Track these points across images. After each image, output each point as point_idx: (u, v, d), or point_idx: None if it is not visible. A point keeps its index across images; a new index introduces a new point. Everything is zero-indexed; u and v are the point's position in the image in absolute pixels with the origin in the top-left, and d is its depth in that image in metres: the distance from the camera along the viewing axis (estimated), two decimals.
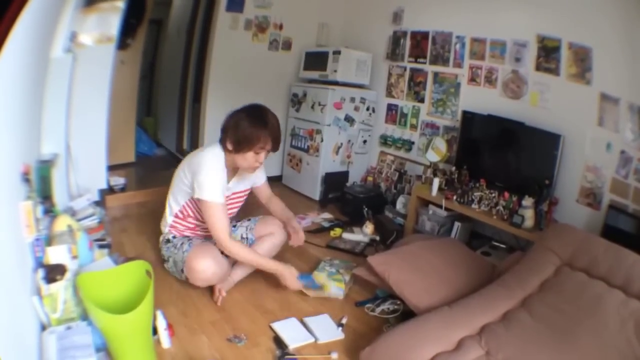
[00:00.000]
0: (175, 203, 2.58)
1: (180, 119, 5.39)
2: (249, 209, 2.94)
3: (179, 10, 5.79)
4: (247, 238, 2.73)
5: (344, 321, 2.34)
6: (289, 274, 2.47)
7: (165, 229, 2.66)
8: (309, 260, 3.10)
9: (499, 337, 1.83)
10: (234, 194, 2.64)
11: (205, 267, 2.33)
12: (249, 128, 2.30)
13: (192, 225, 2.63)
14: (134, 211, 3.72)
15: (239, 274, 2.60)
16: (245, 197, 2.77)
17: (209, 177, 2.32)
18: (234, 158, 2.40)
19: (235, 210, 2.75)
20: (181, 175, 2.49)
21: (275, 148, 2.42)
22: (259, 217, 2.81)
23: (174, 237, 2.63)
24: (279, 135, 2.39)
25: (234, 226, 2.77)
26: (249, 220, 2.79)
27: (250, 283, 2.67)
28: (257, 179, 2.78)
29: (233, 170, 2.55)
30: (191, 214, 2.58)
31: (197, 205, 2.49)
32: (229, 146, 2.35)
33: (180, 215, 2.59)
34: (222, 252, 2.45)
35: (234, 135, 2.32)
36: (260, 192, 2.85)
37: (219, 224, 2.33)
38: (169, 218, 2.62)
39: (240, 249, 2.40)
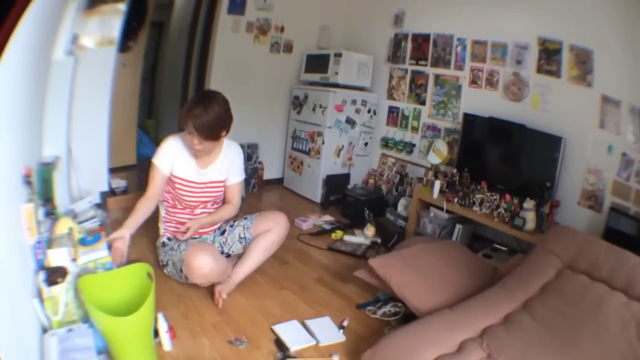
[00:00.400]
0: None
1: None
2: (248, 209, 2.94)
3: (180, 12, 5.80)
4: (244, 237, 2.71)
5: (345, 324, 2.34)
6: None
7: (161, 229, 2.73)
8: (310, 263, 3.10)
9: (501, 340, 1.83)
10: (212, 182, 2.63)
11: (202, 263, 2.33)
12: (183, 109, 2.41)
13: (183, 219, 2.64)
14: None
15: (239, 275, 2.59)
16: (221, 190, 2.71)
17: (161, 145, 2.56)
18: None
19: (213, 205, 2.72)
20: None
21: (201, 135, 2.37)
22: (255, 214, 2.79)
23: (169, 239, 2.66)
24: (202, 123, 2.34)
25: (232, 226, 2.77)
26: (246, 219, 2.77)
27: (252, 285, 2.67)
28: (230, 176, 2.70)
29: (209, 157, 2.61)
30: (169, 196, 2.67)
31: (172, 184, 2.60)
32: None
33: (168, 198, 2.68)
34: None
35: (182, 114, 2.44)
36: (227, 190, 2.73)
37: (150, 184, 2.55)
38: (162, 211, 2.72)
39: (139, 205, 2.48)
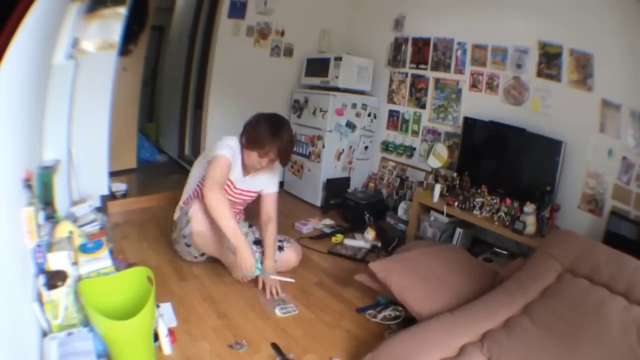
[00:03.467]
0: (190, 187, 2.91)
1: (182, 125, 5.40)
2: (249, 213, 2.94)
3: (180, 16, 5.82)
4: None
5: None
6: (244, 261, 2.43)
7: (177, 212, 2.88)
8: (311, 267, 3.10)
9: (501, 344, 1.82)
10: (245, 190, 2.77)
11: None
12: (262, 131, 2.51)
13: None
14: (135, 217, 3.72)
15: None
16: (252, 199, 2.87)
17: (222, 143, 2.58)
18: (243, 152, 2.60)
19: (240, 207, 2.84)
20: (201, 161, 2.78)
21: (281, 160, 2.62)
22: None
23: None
24: (287, 149, 2.59)
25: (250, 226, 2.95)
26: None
27: (252, 289, 2.66)
28: (268, 187, 2.86)
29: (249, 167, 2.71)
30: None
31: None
32: (243, 140, 2.59)
33: (193, 196, 2.81)
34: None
35: (249, 132, 2.56)
36: (264, 201, 2.88)
37: (217, 174, 2.43)
38: (184, 195, 2.89)
39: (219, 204, 2.37)
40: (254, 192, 2.85)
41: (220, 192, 2.40)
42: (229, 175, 2.59)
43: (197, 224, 2.57)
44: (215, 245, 2.64)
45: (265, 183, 2.84)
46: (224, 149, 2.53)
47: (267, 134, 2.50)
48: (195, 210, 2.57)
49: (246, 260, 2.43)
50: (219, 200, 2.37)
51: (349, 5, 5.16)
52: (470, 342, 1.86)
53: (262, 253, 2.74)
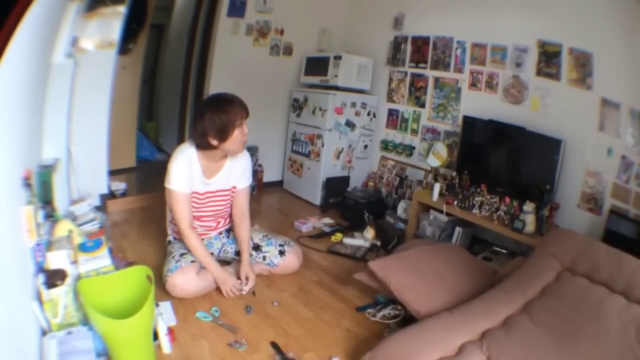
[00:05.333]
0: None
1: (181, 124, 5.39)
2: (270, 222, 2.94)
3: (180, 15, 5.81)
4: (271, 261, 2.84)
5: None
6: (227, 284, 2.55)
7: (168, 229, 2.80)
8: (310, 266, 3.10)
9: (500, 343, 1.82)
10: (219, 191, 2.67)
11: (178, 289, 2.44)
12: (222, 115, 2.36)
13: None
14: (135, 216, 3.72)
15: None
16: (230, 197, 2.75)
17: (172, 168, 2.45)
18: (222, 149, 2.47)
19: (222, 208, 2.75)
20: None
21: (247, 114, 2.49)
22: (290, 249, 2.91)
23: (175, 238, 2.74)
24: (243, 102, 2.48)
25: (269, 240, 2.88)
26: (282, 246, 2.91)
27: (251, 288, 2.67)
28: (241, 180, 2.75)
29: (216, 166, 2.61)
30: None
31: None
32: (214, 142, 2.41)
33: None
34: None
35: (213, 131, 2.38)
36: (237, 198, 2.77)
37: (181, 212, 2.48)
38: (168, 215, 2.74)
39: (194, 241, 2.50)
40: (226, 190, 2.71)
41: (189, 231, 2.49)
42: (190, 200, 2.54)
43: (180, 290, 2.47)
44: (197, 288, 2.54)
45: (238, 177, 2.72)
46: (173, 178, 2.45)
47: (227, 110, 2.38)
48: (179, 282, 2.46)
49: (226, 284, 2.54)
50: (191, 238, 2.49)
51: (349, 4, 5.15)
52: (470, 340, 1.86)
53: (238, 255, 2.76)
